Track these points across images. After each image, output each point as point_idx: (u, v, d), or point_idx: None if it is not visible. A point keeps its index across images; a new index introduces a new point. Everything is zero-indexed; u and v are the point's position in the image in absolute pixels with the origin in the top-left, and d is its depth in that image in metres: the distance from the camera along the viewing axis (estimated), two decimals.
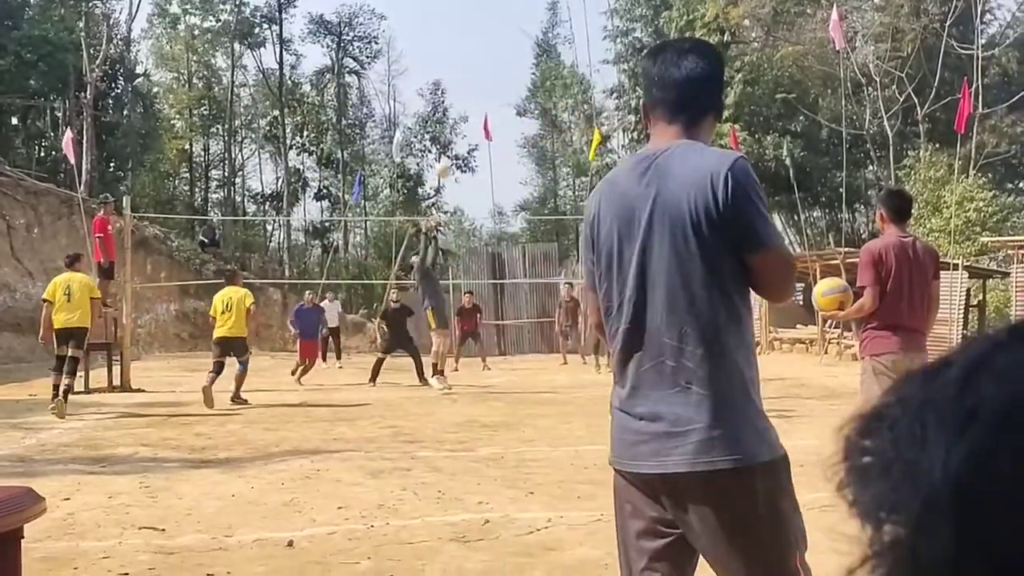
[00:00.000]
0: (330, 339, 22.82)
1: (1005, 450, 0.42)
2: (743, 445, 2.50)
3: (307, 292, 23.01)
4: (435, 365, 16.21)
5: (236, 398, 14.54)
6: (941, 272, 6.97)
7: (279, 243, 49.16)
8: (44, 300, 14.02)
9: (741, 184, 2.54)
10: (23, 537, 2.86)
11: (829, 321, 23.74)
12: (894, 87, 32.82)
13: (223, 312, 14.86)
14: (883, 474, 0.45)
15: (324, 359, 22.09)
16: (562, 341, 24.50)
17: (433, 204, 50.09)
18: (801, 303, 31.36)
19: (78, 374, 14.24)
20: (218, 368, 14.61)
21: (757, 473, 2.50)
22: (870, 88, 33.35)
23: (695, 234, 2.54)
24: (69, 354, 13.45)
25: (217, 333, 14.88)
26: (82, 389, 15.95)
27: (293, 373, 18.28)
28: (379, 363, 17.73)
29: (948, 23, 30.93)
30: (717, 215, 2.52)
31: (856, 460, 0.49)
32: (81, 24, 37.87)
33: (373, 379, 17.44)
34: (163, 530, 6.28)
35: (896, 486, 0.45)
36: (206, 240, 33.96)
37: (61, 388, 13.08)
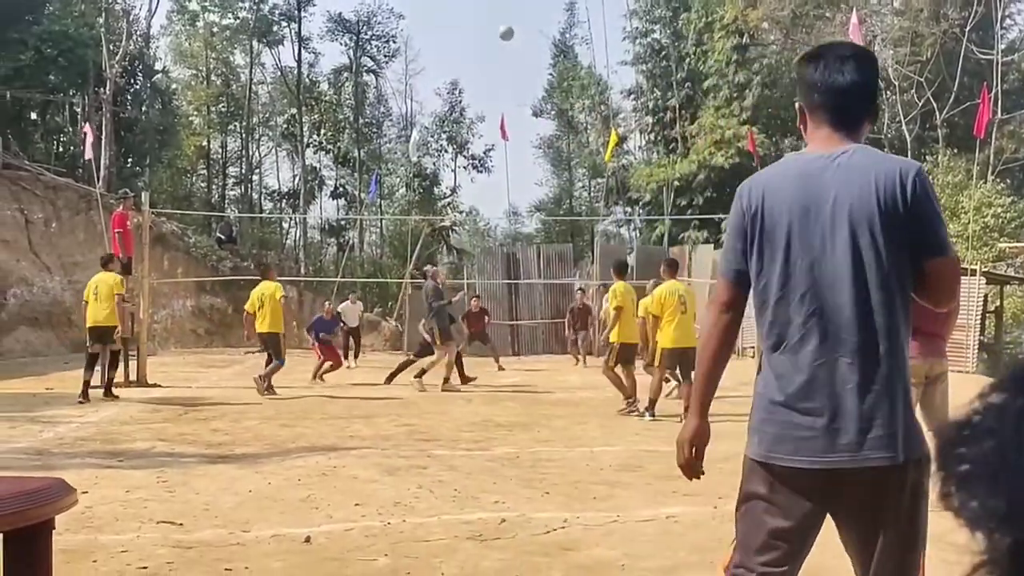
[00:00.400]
0: (349, 338, 22.79)
1: None
2: (909, 442, 2.61)
3: (326, 303, 23.14)
4: (423, 371, 16.47)
5: (263, 381, 15.30)
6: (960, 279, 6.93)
7: (295, 241, 49.32)
8: (84, 300, 14.99)
9: (927, 189, 2.67)
10: (54, 528, 2.88)
11: None
12: (913, 91, 32.68)
13: (259, 308, 15.50)
14: (991, 482, 0.45)
15: (344, 357, 22.10)
16: (571, 344, 24.57)
17: (449, 204, 50.14)
18: None
19: (114, 366, 15.02)
20: (267, 360, 15.77)
21: (911, 469, 2.61)
22: (889, 92, 33.20)
23: (882, 235, 2.62)
24: (108, 349, 14.54)
25: (257, 329, 15.71)
26: (98, 384, 16.00)
27: (315, 376, 18.23)
28: (406, 364, 17.75)
29: (968, 28, 30.81)
30: (905, 216, 2.63)
31: (955, 469, 0.48)
32: (101, 20, 38.02)
33: (391, 379, 17.36)
34: (181, 524, 6.31)
35: (1010, 495, 0.44)
36: (223, 237, 34.05)
37: (105, 380, 14.36)
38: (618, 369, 13.22)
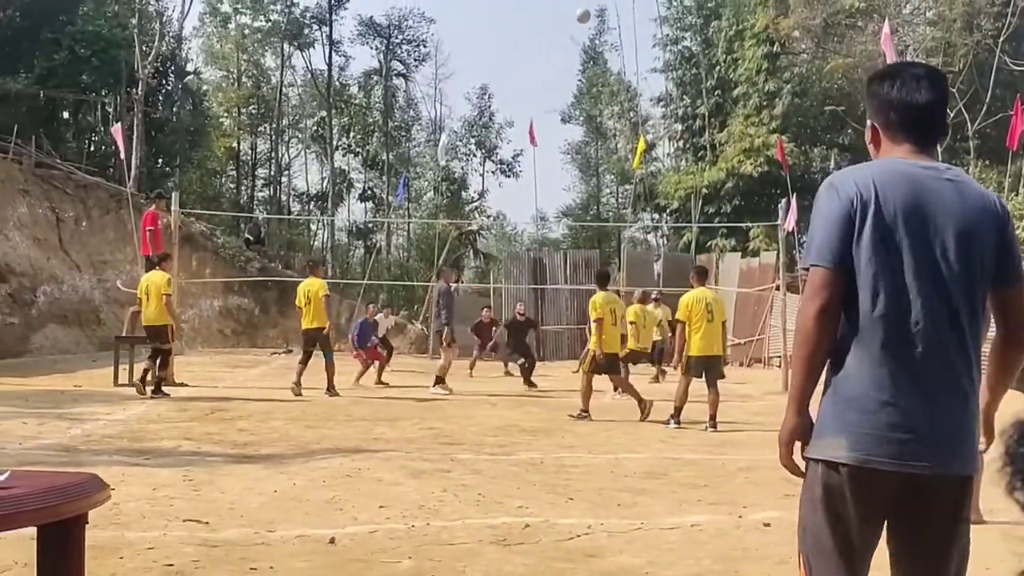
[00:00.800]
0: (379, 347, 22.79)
1: None
2: (977, 454, 2.70)
3: (369, 305, 23.30)
4: (438, 377, 16.47)
5: (329, 388, 15.42)
6: None
7: (323, 242, 49.53)
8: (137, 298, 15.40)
9: (1011, 221, 2.81)
10: (87, 523, 2.91)
11: None
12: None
13: (305, 304, 15.71)
14: None
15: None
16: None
17: (476, 208, 50.24)
18: None
19: (163, 365, 14.96)
20: (304, 359, 15.84)
21: (972, 481, 2.71)
22: None
23: (985, 257, 2.70)
24: (153, 348, 14.86)
25: (302, 325, 15.92)
26: (126, 382, 16.13)
27: (357, 380, 18.26)
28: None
29: (1002, 39, 30.57)
30: (999, 244, 2.73)
31: (1022, 465, 0.50)
32: (134, 21, 38.36)
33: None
34: (207, 523, 6.34)
35: None
36: (251, 238, 34.25)
37: (144, 372, 14.60)
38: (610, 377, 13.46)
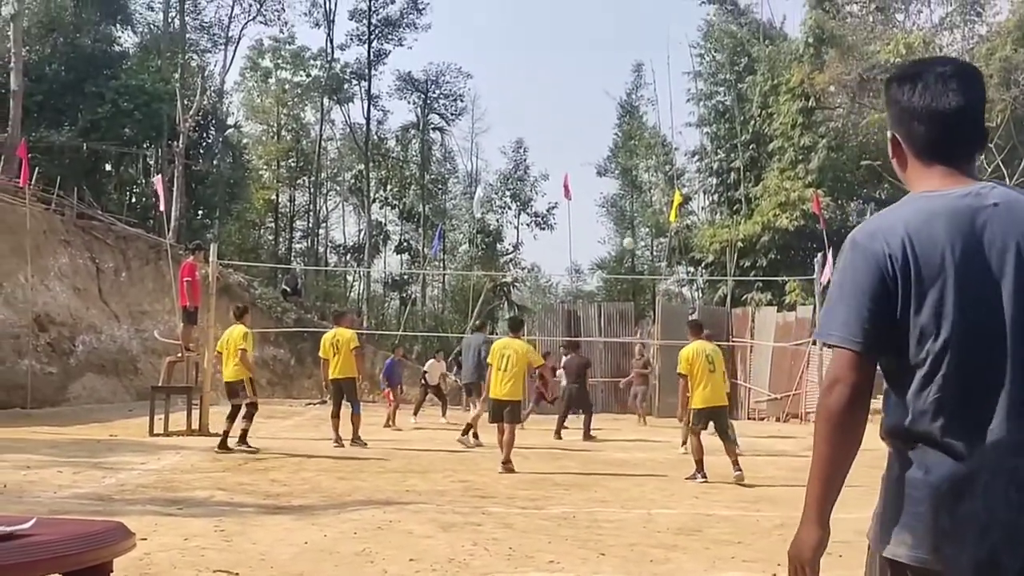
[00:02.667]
0: (427, 394, 22.90)
1: None
2: None
3: (397, 347, 23.95)
4: (468, 425, 16.42)
5: (355, 439, 15.32)
6: None
7: (359, 294, 49.81)
8: (216, 351, 15.39)
9: None
10: (112, 571, 2.92)
11: None
12: (982, 158, 32.30)
13: (334, 355, 15.65)
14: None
15: (415, 414, 22.17)
16: (637, 403, 24.41)
17: (511, 260, 50.37)
18: (881, 372, 30.77)
19: (246, 417, 14.54)
20: (336, 411, 15.75)
21: None
22: None
23: None
24: (234, 404, 14.52)
25: (329, 375, 15.86)
26: (161, 432, 16.22)
27: (387, 424, 18.80)
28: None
29: None
30: None
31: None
32: (176, 75, 39.08)
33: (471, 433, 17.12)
34: (237, 574, 6.33)
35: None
36: (288, 289, 34.48)
37: (228, 431, 14.17)
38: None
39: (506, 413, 13.00)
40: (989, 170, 31.70)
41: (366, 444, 15.35)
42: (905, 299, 2.21)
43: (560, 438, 18.30)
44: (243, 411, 14.36)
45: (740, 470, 12.17)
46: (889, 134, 2.44)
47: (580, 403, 19.51)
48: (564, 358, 21.02)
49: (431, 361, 23.14)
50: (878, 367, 2.34)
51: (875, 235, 2.26)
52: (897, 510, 2.23)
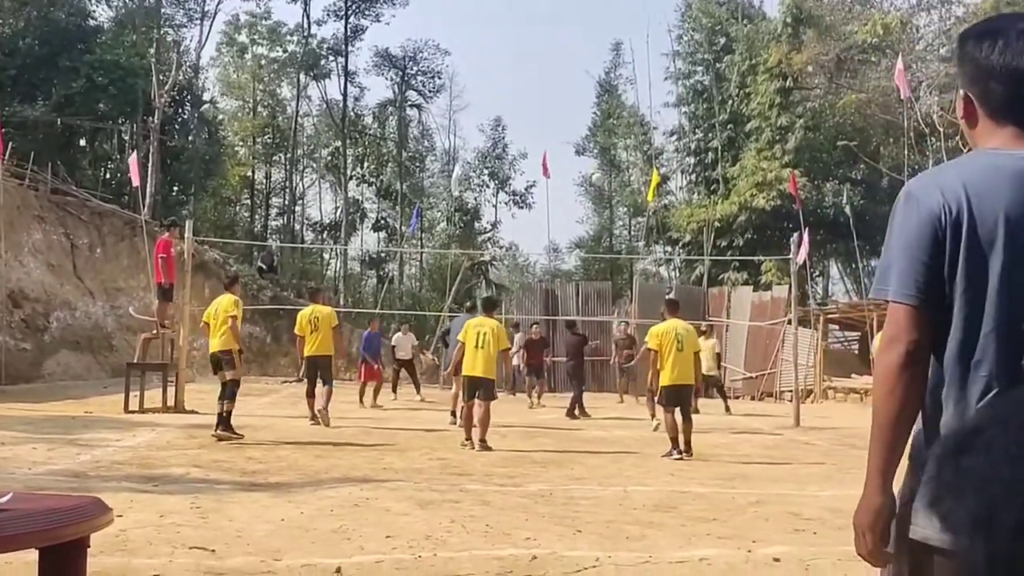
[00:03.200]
0: (401, 370, 22.40)
1: None
2: None
3: (372, 320, 23.55)
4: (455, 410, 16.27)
5: (322, 412, 14.89)
6: None
7: (335, 272, 49.67)
8: (204, 321, 13.96)
9: None
10: (89, 546, 2.91)
11: None
12: (957, 138, 32.43)
13: (311, 332, 15.24)
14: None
15: (394, 390, 22.10)
16: (619, 380, 24.42)
17: (489, 239, 50.33)
18: (856, 352, 31.02)
19: (228, 395, 13.14)
20: (311, 388, 15.37)
21: None
22: (933, 138, 33.01)
23: None
24: (225, 379, 13.22)
25: (305, 352, 15.38)
26: (136, 409, 16.14)
27: (361, 400, 18.74)
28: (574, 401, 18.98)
29: None
30: None
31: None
32: (152, 50, 38.72)
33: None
34: (213, 551, 6.32)
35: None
36: (264, 266, 34.33)
37: (219, 414, 12.96)
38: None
39: (480, 391, 12.96)
40: (965, 150, 31.84)
41: (329, 423, 14.71)
42: (953, 255, 2.13)
43: (575, 417, 18.30)
44: (226, 390, 13.18)
45: (689, 453, 12.37)
46: (961, 92, 2.32)
47: (574, 379, 19.68)
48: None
49: (398, 335, 22.69)
50: None
51: (931, 188, 2.19)
52: (921, 486, 2.11)
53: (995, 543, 0.45)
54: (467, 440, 12.97)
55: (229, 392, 13.04)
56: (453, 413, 16.13)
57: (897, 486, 2.20)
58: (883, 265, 2.25)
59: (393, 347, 22.49)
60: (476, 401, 12.92)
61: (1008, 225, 2.09)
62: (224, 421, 12.85)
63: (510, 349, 15.35)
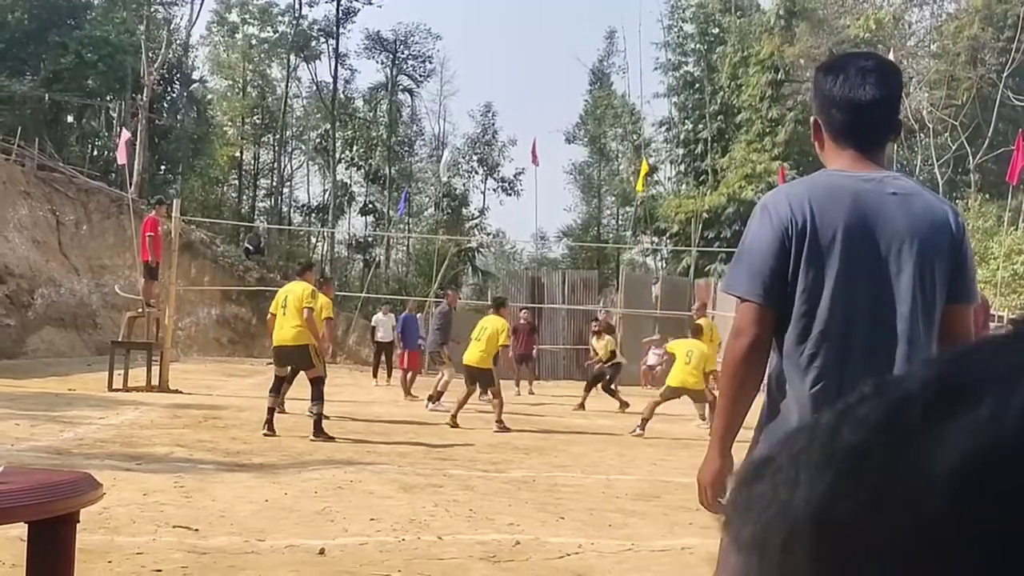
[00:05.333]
0: (381, 354, 21.88)
1: (857, 488, 0.47)
2: None
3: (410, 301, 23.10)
4: (439, 392, 16.32)
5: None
6: (989, 324, 6.91)
7: (322, 254, 49.55)
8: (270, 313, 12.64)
9: (967, 232, 2.60)
10: (79, 521, 2.91)
11: None
12: (947, 135, 32.62)
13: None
14: (761, 514, 0.50)
15: (374, 374, 21.91)
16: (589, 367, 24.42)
17: (476, 225, 50.28)
18: None
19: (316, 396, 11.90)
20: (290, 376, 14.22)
21: None
22: (922, 134, 33.16)
23: (939, 274, 2.49)
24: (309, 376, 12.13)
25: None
26: (120, 387, 16.12)
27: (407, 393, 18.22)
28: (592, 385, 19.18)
29: (1006, 74, 30.73)
30: (955, 258, 2.52)
31: (741, 500, 0.53)
32: (142, 27, 38.54)
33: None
34: (196, 530, 6.33)
35: (767, 524, 0.49)
36: (251, 247, 34.25)
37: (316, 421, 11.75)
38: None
39: (480, 380, 13.87)
40: (954, 147, 31.98)
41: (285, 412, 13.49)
42: (796, 261, 2.46)
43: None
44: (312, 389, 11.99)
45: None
46: (812, 118, 2.67)
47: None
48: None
49: (378, 315, 22.29)
50: None
51: (782, 201, 2.52)
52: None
53: (766, 563, 0.48)
54: (453, 419, 13.65)
55: (317, 392, 11.85)
56: (430, 398, 16.27)
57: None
58: (736, 265, 2.62)
59: (373, 328, 22.21)
60: (478, 389, 14.02)
61: (844, 238, 2.44)
62: (317, 426, 11.73)
63: (508, 347, 15.45)
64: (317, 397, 11.76)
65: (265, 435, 11.56)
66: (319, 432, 11.63)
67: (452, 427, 13.31)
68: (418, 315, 21.58)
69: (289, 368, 12.50)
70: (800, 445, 0.52)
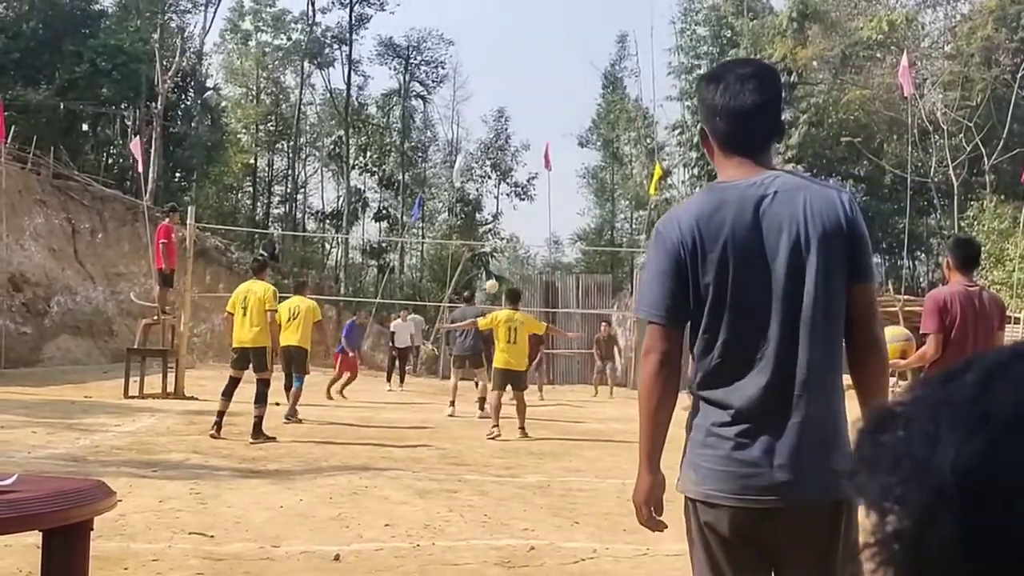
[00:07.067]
0: (395, 360, 22.07)
1: (1014, 451, 0.45)
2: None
3: (359, 311, 22.94)
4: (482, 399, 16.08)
5: (291, 416, 13.95)
6: (1005, 325, 6.88)
7: (336, 261, 49.60)
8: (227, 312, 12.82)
9: (859, 213, 2.61)
10: (92, 529, 2.92)
11: None
12: (961, 136, 32.46)
13: (288, 320, 13.96)
14: (892, 467, 0.48)
15: (388, 379, 21.93)
16: (596, 373, 24.39)
17: (490, 230, 50.28)
18: None
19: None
20: (288, 382, 14.36)
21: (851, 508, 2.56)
22: (937, 136, 33.05)
23: (829, 262, 2.52)
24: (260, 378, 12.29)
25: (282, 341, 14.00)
26: (136, 394, 16.17)
27: (329, 392, 18.01)
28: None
29: (1020, 74, 30.58)
30: (845, 240, 2.54)
31: (867, 452, 0.52)
32: (156, 36, 38.68)
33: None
34: (212, 536, 6.34)
35: (904, 479, 0.48)
36: (265, 254, 34.26)
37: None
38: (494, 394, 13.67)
39: (514, 382, 13.54)
40: (968, 149, 31.85)
41: (300, 421, 14.00)
42: (694, 278, 2.55)
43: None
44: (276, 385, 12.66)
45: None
46: (699, 127, 2.76)
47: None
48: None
49: (397, 321, 22.28)
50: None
51: (672, 226, 2.60)
52: (688, 452, 2.65)
53: (903, 522, 0.47)
54: (494, 428, 13.09)
55: (261, 394, 12.05)
56: (452, 403, 16.17)
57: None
58: (640, 289, 2.75)
59: (392, 334, 22.19)
60: (513, 392, 13.54)
61: (733, 247, 2.51)
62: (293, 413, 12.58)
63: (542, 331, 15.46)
64: (260, 400, 11.89)
65: (212, 436, 11.57)
66: (258, 434, 11.72)
67: (494, 439, 12.81)
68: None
69: (245, 371, 12.50)
70: (936, 400, 0.50)
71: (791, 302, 2.51)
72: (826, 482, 2.42)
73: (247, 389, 12.14)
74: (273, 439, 11.74)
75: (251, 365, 12.40)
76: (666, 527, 2.74)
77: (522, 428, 13.33)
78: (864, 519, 0.55)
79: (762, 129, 2.65)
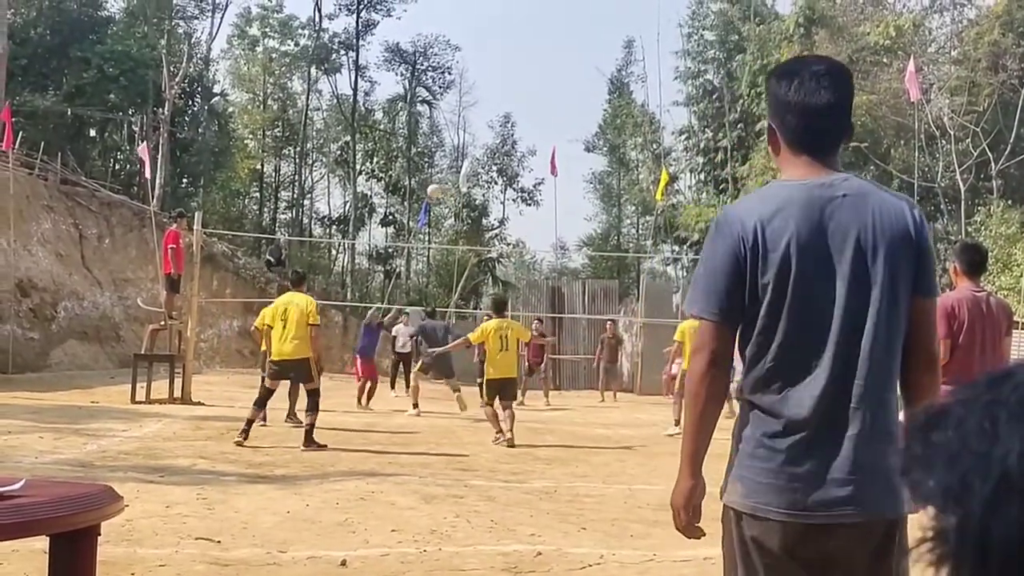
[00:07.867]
0: (399, 365, 21.63)
1: None
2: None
3: (369, 311, 22.48)
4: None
5: (309, 443, 13.69)
6: (1012, 331, 6.86)
7: (343, 266, 49.65)
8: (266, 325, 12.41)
9: (927, 226, 2.59)
10: (100, 534, 2.92)
11: None
12: (968, 141, 32.37)
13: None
14: (949, 464, 0.49)
15: (392, 386, 21.66)
16: (603, 378, 24.28)
17: (496, 235, 50.30)
18: None
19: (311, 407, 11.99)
20: (293, 390, 14.18)
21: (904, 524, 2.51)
22: (943, 141, 32.93)
23: (898, 273, 2.49)
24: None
25: (273, 355, 13.26)
26: (143, 399, 16.19)
27: (360, 401, 17.89)
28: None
29: None
30: (917, 256, 2.52)
31: (920, 450, 0.52)
32: (163, 42, 38.80)
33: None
34: (219, 542, 6.34)
35: (964, 475, 0.49)
36: (272, 259, 34.29)
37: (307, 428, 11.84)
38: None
39: (505, 390, 13.48)
40: (975, 154, 31.80)
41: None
42: (753, 277, 2.48)
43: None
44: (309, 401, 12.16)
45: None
46: (767, 123, 2.71)
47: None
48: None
49: (399, 326, 22.00)
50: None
51: (733, 220, 2.55)
52: (735, 462, 2.57)
53: (968, 514, 0.48)
54: (499, 434, 13.10)
55: (313, 403, 11.91)
56: (415, 405, 16.87)
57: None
58: (694, 285, 2.64)
59: (393, 338, 21.81)
60: (500, 401, 13.33)
61: (796, 247, 2.45)
62: (307, 436, 11.76)
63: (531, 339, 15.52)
64: (313, 408, 11.86)
65: (237, 444, 11.47)
66: (310, 442, 11.63)
67: (512, 446, 12.74)
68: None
69: (280, 382, 12.53)
70: (989, 397, 0.51)
71: (854, 309, 2.46)
72: (882, 499, 2.41)
73: (248, 394, 12.14)
74: (324, 447, 11.60)
75: (293, 377, 12.54)
76: (704, 534, 2.66)
77: (510, 437, 12.96)
78: (920, 520, 0.56)
79: (835, 128, 2.62)
